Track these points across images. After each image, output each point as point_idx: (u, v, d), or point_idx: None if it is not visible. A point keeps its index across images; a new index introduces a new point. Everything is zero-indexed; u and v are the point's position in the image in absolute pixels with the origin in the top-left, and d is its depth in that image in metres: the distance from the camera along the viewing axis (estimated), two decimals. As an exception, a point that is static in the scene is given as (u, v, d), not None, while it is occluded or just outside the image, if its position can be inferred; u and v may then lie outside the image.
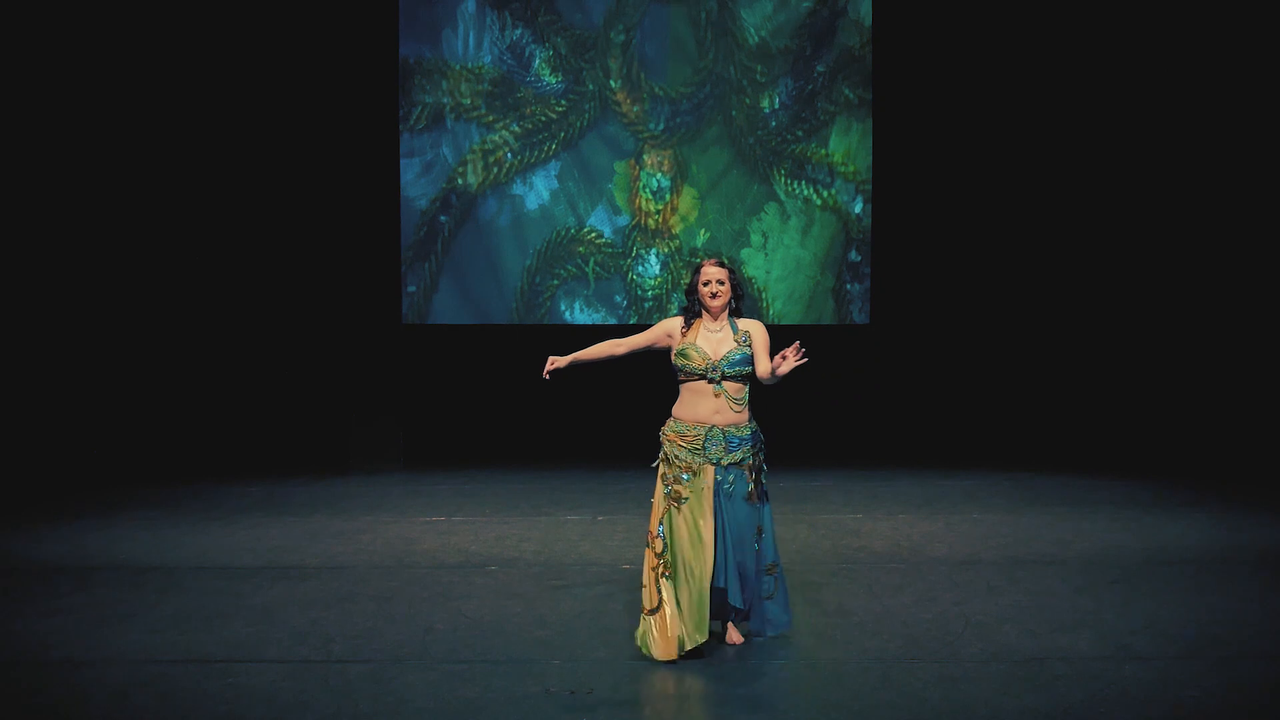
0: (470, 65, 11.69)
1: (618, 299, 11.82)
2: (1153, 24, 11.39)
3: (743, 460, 4.90)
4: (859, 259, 11.86)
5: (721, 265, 5.01)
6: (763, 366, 4.86)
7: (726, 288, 4.95)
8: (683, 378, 4.96)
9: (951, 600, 5.78)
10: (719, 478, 4.86)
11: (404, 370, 11.89)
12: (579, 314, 11.80)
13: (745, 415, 4.94)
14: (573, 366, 5.03)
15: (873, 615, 5.51)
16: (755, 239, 11.80)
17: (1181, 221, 11.48)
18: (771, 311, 11.75)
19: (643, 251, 11.81)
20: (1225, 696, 4.35)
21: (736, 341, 4.91)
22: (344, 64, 11.58)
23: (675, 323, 5.02)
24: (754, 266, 11.79)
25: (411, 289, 11.79)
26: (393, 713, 4.21)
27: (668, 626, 4.78)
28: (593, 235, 11.80)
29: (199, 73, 11.43)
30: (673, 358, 4.98)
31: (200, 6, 11.38)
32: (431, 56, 11.67)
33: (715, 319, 4.97)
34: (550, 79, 11.72)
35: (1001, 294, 11.81)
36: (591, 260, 11.78)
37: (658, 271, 11.81)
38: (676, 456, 4.89)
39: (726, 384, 4.88)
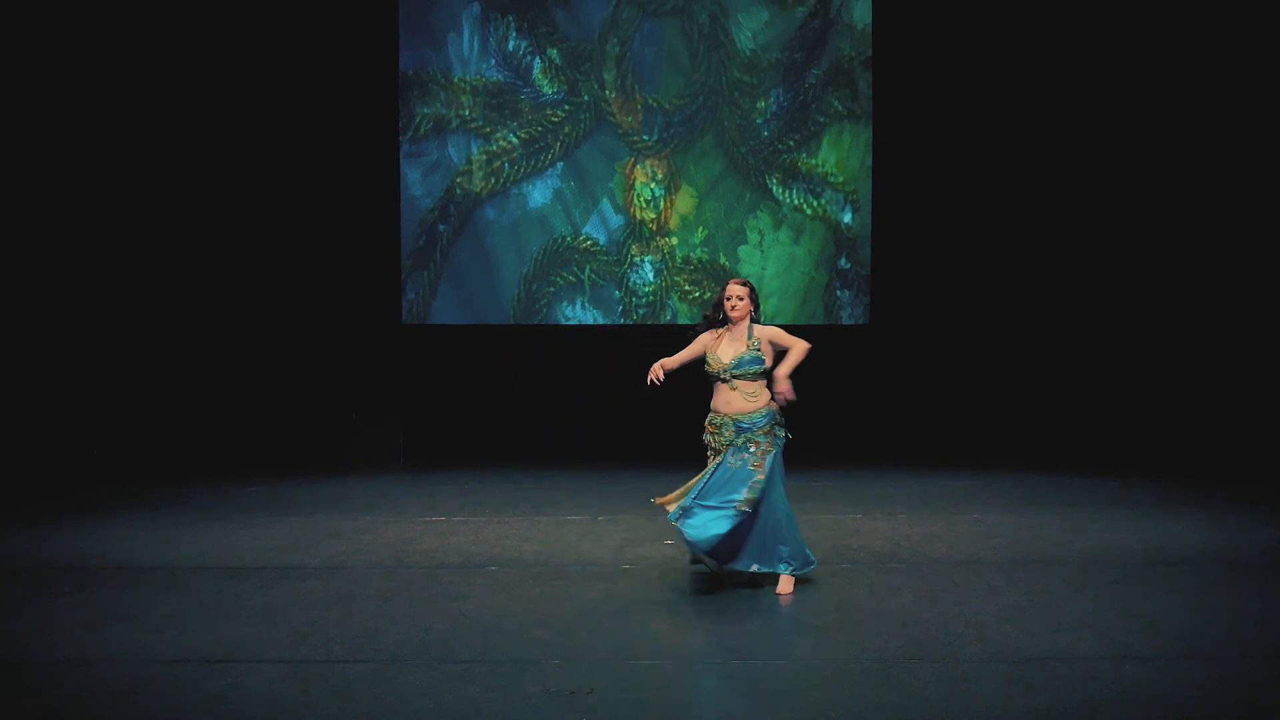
0: (469, 76, 11.72)
1: (615, 294, 11.85)
2: (1145, 31, 11.41)
3: (750, 438, 5.84)
4: (849, 266, 11.88)
5: (743, 284, 5.99)
6: (785, 357, 5.87)
7: (746, 302, 5.96)
8: (711, 377, 6.00)
9: (951, 600, 5.78)
10: (729, 455, 5.85)
11: (404, 370, 11.90)
12: (580, 311, 11.81)
13: (757, 404, 5.88)
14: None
15: (873, 615, 5.52)
16: (752, 237, 11.82)
17: (1179, 222, 11.48)
18: (765, 311, 11.75)
19: (637, 259, 11.84)
20: (1225, 696, 4.35)
21: (749, 346, 5.89)
22: (346, 72, 11.60)
23: (709, 335, 6.04)
24: (750, 264, 11.80)
25: (410, 296, 11.81)
26: (393, 713, 4.21)
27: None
28: (588, 243, 11.83)
29: (205, 78, 11.46)
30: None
31: (206, 12, 11.39)
32: (435, 63, 11.69)
33: (736, 327, 5.95)
34: (548, 89, 11.75)
35: (1001, 295, 11.82)
36: (587, 267, 11.81)
37: (652, 278, 11.84)
38: (709, 440, 5.95)
39: (737, 381, 5.87)
